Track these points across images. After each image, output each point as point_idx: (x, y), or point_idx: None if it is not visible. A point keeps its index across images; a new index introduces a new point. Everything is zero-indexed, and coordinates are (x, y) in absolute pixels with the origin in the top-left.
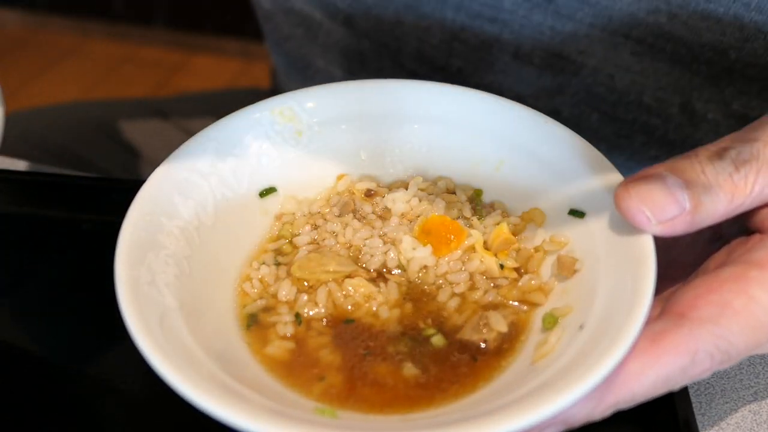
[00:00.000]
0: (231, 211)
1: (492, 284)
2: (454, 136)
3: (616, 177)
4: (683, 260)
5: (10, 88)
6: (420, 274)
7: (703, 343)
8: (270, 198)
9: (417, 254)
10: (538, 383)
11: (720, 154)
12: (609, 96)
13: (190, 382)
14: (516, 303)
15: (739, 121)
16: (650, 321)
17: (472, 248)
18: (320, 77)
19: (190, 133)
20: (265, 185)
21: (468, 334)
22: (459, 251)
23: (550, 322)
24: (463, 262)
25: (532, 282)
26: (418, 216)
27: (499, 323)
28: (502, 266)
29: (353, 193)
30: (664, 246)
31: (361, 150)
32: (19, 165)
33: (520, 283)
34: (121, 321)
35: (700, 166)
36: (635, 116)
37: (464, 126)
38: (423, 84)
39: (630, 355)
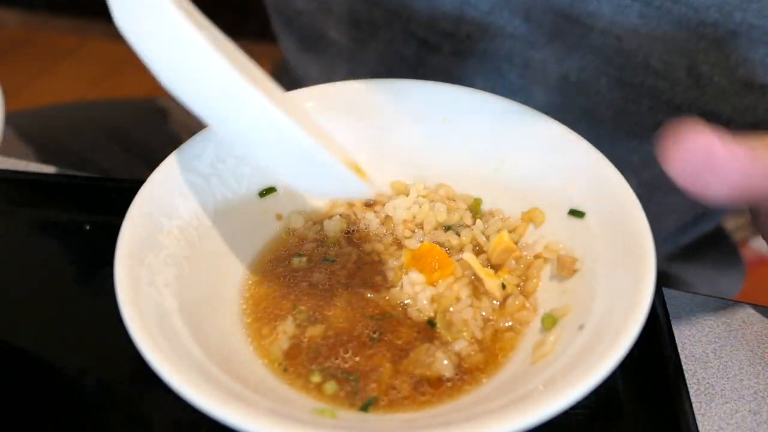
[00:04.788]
0: (231, 211)
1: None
2: (454, 136)
3: (616, 177)
4: None
5: (10, 88)
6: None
7: None
8: (270, 198)
9: (417, 289)
10: (538, 383)
11: None
12: (617, 58)
13: (190, 383)
14: (510, 324)
15: (744, 87)
16: None
17: (471, 272)
18: (333, 50)
19: (190, 133)
20: (265, 185)
21: (419, 370)
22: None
23: (550, 322)
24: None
25: (516, 302)
26: (421, 223)
27: (447, 369)
28: (504, 286)
29: (353, 206)
30: None
31: (360, 150)
32: (19, 165)
33: (506, 304)
34: (121, 321)
35: None
36: (642, 79)
37: (464, 126)
38: (423, 84)
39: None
